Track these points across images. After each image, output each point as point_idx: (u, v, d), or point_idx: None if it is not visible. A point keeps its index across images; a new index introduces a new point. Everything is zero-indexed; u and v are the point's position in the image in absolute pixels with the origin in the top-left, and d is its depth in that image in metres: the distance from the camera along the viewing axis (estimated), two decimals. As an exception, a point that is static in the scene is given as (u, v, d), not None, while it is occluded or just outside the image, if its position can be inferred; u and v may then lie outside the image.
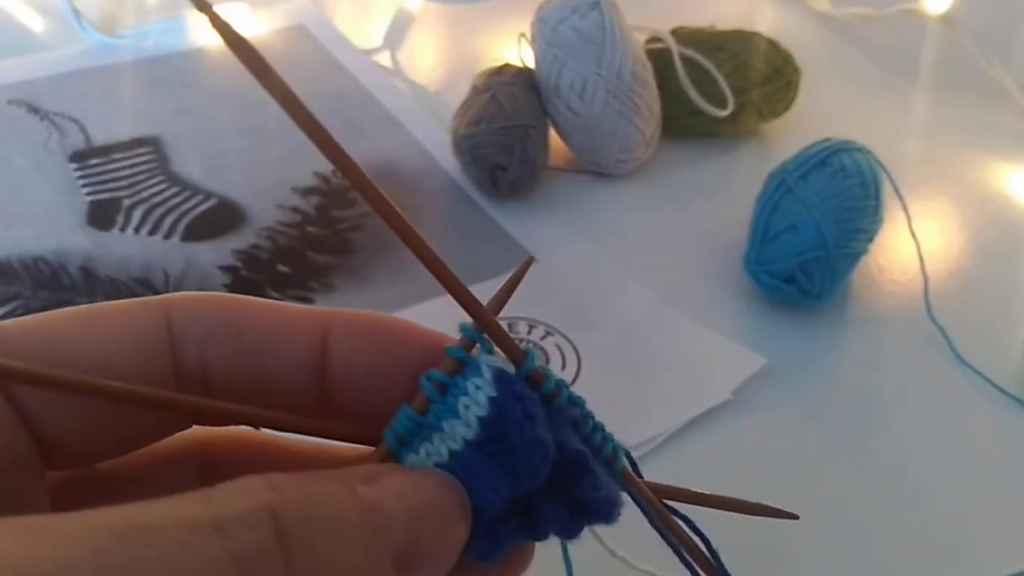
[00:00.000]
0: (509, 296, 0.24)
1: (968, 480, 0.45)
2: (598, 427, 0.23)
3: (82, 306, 0.22)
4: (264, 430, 0.23)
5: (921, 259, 0.56)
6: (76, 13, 0.74)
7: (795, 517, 0.27)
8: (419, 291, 0.51)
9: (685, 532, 0.24)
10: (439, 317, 0.24)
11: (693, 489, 0.25)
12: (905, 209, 0.57)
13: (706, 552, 0.24)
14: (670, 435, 0.46)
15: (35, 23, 0.77)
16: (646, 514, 0.23)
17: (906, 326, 0.53)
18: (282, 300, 0.39)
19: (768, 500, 0.43)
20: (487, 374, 0.21)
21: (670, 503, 0.24)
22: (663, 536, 0.23)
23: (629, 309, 0.53)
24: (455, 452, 0.21)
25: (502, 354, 0.22)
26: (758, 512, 0.26)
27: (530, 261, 0.25)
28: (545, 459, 0.21)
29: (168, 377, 0.22)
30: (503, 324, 0.23)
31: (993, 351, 0.52)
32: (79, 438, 0.22)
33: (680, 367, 0.50)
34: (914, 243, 0.57)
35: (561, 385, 0.22)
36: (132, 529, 0.15)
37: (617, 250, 0.57)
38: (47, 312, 0.22)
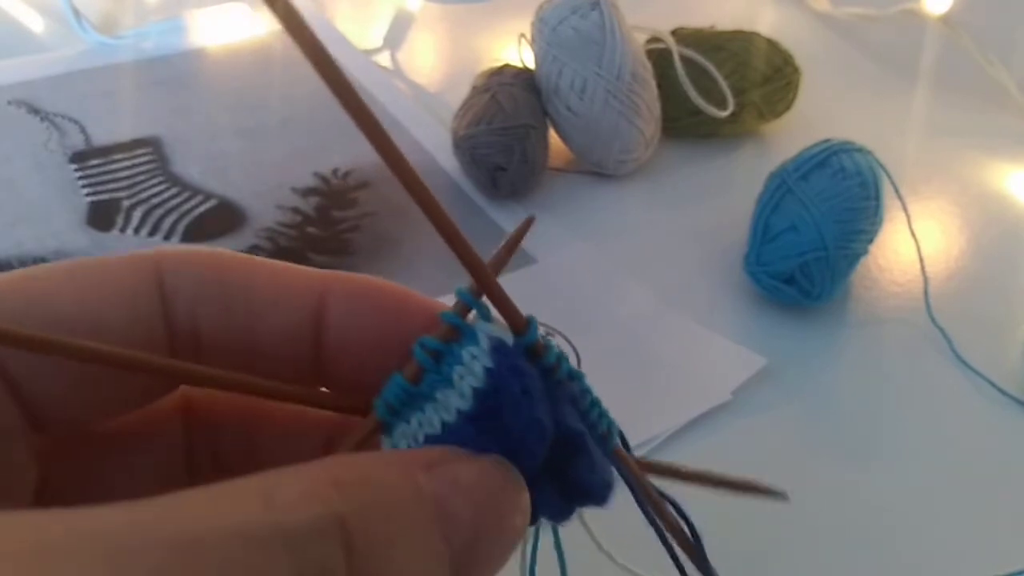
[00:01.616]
0: (510, 255, 0.22)
1: (968, 480, 0.45)
2: (595, 403, 0.22)
3: (68, 261, 0.21)
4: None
5: (921, 259, 0.56)
6: (76, 13, 0.74)
7: (785, 498, 0.26)
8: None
9: (671, 514, 0.23)
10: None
11: (679, 465, 0.24)
12: (905, 209, 0.57)
13: (688, 535, 0.23)
14: (670, 435, 0.45)
15: (35, 23, 0.77)
16: (633, 492, 0.22)
17: (906, 326, 0.53)
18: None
19: (767, 499, 0.43)
20: (484, 343, 0.20)
21: (662, 489, 0.23)
22: (647, 516, 0.22)
23: (629, 309, 0.53)
24: (448, 424, 0.19)
25: (502, 321, 0.21)
26: (747, 490, 0.25)
27: (531, 220, 0.23)
28: (542, 441, 0.19)
29: (160, 337, 0.21)
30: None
31: (993, 351, 0.52)
32: (66, 402, 0.21)
33: (680, 367, 0.50)
34: (914, 243, 0.57)
35: (561, 358, 0.21)
36: (188, 545, 0.14)
37: (617, 250, 0.57)
38: (31, 268, 0.20)
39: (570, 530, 0.23)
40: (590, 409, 0.21)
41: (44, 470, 0.21)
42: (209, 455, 0.24)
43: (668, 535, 0.23)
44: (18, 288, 0.20)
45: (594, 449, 0.21)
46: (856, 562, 0.42)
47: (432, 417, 0.20)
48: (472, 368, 0.19)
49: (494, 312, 0.21)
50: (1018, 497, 0.45)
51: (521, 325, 0.20)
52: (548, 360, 0.21)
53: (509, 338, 0.20)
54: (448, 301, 0.22)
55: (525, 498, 0.19)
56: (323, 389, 0.23)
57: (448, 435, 0.19)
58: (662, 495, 0.23)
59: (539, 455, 0.19)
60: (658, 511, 0.22)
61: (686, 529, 0.23)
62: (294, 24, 0.14)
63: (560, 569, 0.24)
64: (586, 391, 0.21)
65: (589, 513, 0.22)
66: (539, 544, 0.23)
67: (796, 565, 0.42)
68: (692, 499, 0.23)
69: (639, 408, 0.47)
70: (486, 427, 0.19)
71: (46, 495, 0.21)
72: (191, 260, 0.21)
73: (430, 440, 0.20)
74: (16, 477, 0.20)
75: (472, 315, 0.21)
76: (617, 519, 0.22)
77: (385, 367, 0.21)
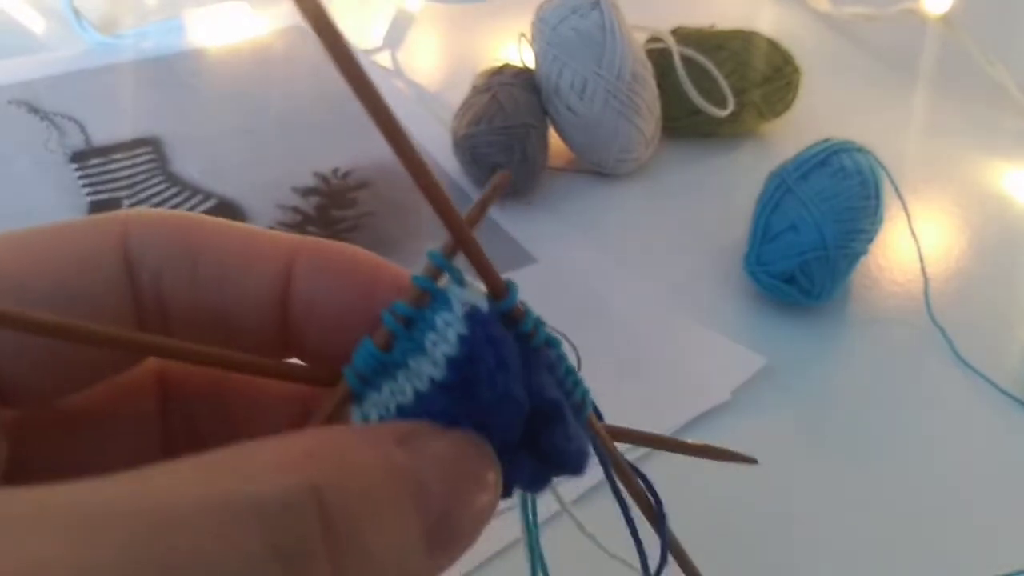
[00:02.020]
0: (485, 210, 0.21)
1: (968, 480, 0.45)
2: (570, 370, 0.21)
3: (31, 229, 0.20)
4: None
5: (921, 259, 0.56)
6: (76, 13, 0.74)
7: (754, 462, 0.25)
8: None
9: (638, 485, 0.23)
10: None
11: (647, 432, 0.23)
12: (905, 209, 0.57)
13: (653, 504, 0.23)
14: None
15: (35, 23, 0.77)
16: (602, 461, 0.22)
17: (906, 326, 0.53)
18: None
19: (768, 499, 0.43)
20: (458, 309, 0.19)
21: (635, 463, 0.23)
22: (612, 485, 0.22)
23: (629, 309, 0.53)
24: (421, 393, 0.19)
25: (481, 286, 0.20)
26: (715, 456, 0.24)
27: (507, 176, 0.22)
28: (518, 416, 0.19)
29: (125, 304, 0.20)
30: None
31: (993, 351, 0.52)
32: (30, 376, 0.20)
33: (679, 367, 0.50)
34: (914, 243, 0.57)
35: (539, 324, 0.20)
36: (160, 517, 0.13)
37: (617, 250, 0.57)
38: None
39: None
40: (565, 377, 0.21)
41: (14, 446, 0.20)
42: (184, 427, 0.24)
43: (631, 508, 0.22)
44: None
45: (570, 418, 0.20)
46: (856, 561, 0.41)
47: (404, 385, 0.19)
48: (445, 335, 0.19)
49: (470, 277, 0.20)
50: (1018, 497, 0.45)
51: (500, 289, 0.20)
52: (525, 326, 0.20)
53: (484, 303, 0.19)
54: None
55: (496, 472, 0.19)
56: (294, 360, 0.22)
57: (421, 404, 0.19)
58: (632, 468, 0.22)
59: (515, 429, 0.19)
60: (625, 481, 0.22)
61: (651, 499, 0.23)
62: (319, 19, 0.14)
63: (529, 541, 0.23)
64: (562, 358, 0.21)
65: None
66: (537, 509, 0.22)
67: (796, 565, 0.42)
68: (698, 516, 0.23)
69: (638, 407, 0.47)
70: (460, 397, 0.18)
71: (16, 472, 0.20)
72: (158, 226, 0.21)
73: (402, 409, 0.19)
74: None
75: (444, 278, 0.20)
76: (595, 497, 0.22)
77: (355, 337, 0.20)
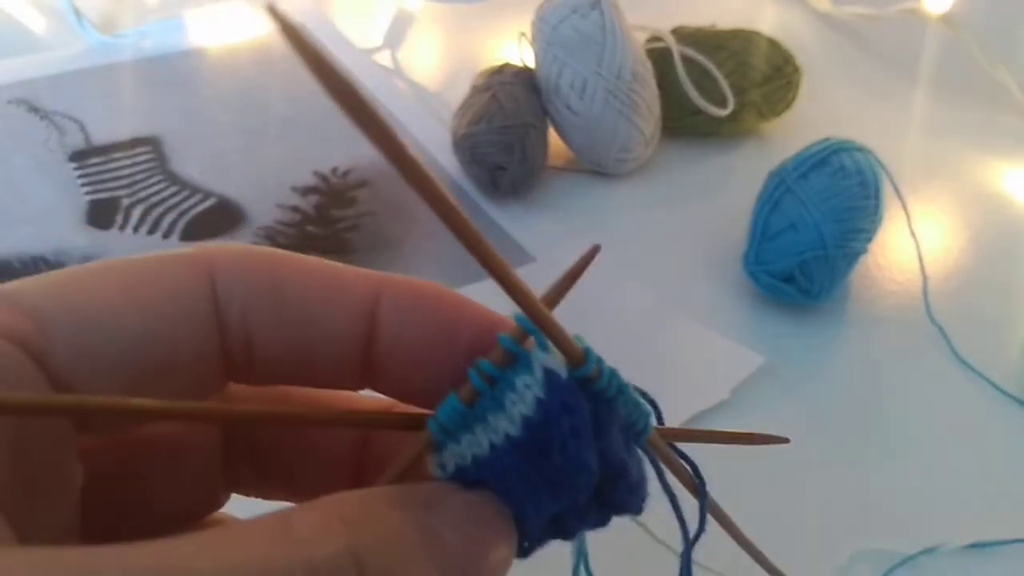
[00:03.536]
0: (568, 289, 0.22)
1: (968, 480, 0.45)
2: (636, 405, 0.22)
3: (119, 263, 0.20)
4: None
5: (920, 259, 0.56)
6: (76, 13, 0.74)
7: (786, 441, 0.27)
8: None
9: (689, 474, 0.24)
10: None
11: (691, 429, 0.25)
12: (905, 209, 0.57)
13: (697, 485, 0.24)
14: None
15: (35, 23, 0.77)
16: (655, 467, 0.23)
17: (906, 326, 0.53)
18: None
19: (768, 499, 0.43)
20: (538, 373, 0.20)
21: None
22: (662, 482, 0.23)
23: (628, 307, 0.53)
24: (496, 447, 0.20)
25: (558, 352, 0.21)
26: (752, 441, 0.26)
27: (596, 249, 0.23)
28: (588, 485, 0.20)
29: (212, 341, 0.21)
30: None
31: (993, 351, 0.52)
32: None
33: (679, 366, 0.50)
34: (914, 243, 0.57)
35: (612, 378, 0.21)
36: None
37: (617, 250, 0.57)
38: (83, 271, 0.20)
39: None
40: (631, 413, 0.22)
41: (88, 469, 0.21)
42: (246, 450, 0.25)
43: (678, 500, 0.23)
44: (73, 305, 0.19)
45: (633, 472, 0.21)
46: (856, 561, 0.41)
47: (482, 439, 0.20)
48: (524, 396, 0.20)
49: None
50: (1018, 496, 0.45)
51: (577, 358, 0.21)
52: (601, 385, 0.21)
53: (563, 368, 0.21)
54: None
55: (510, 528, 0.20)
56: (372, 396, 0.23)
57: (495, 458, 0.20)
58: (680, 453, 0.24)
59: (584, 494, 0.20)
60: (673, 469, 0.23)
61: (695, 478, 0.24)
62: (294, 36, 0.14)
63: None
64: (628, 398, 0.22)
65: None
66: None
67: (796, 565, 0.41)
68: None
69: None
70: (533, 458, 0.20)
71: (89, 493, 0.21)
72: (245, 262, 0.21)
73: (477, 461, 0.20)
74: (66, 479, 0.20)
75: (530, 340, 0.21)
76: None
77: (435, 373, 0.21)
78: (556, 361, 0.21)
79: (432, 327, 0.22)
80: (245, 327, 0.21)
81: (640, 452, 0.22)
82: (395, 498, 0.19)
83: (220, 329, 0.21)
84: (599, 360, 0.21)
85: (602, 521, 0.22)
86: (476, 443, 0.20)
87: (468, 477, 0.20)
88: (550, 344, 0.21)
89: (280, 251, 0.22)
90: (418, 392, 0.22)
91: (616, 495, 0.21)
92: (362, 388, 0.23)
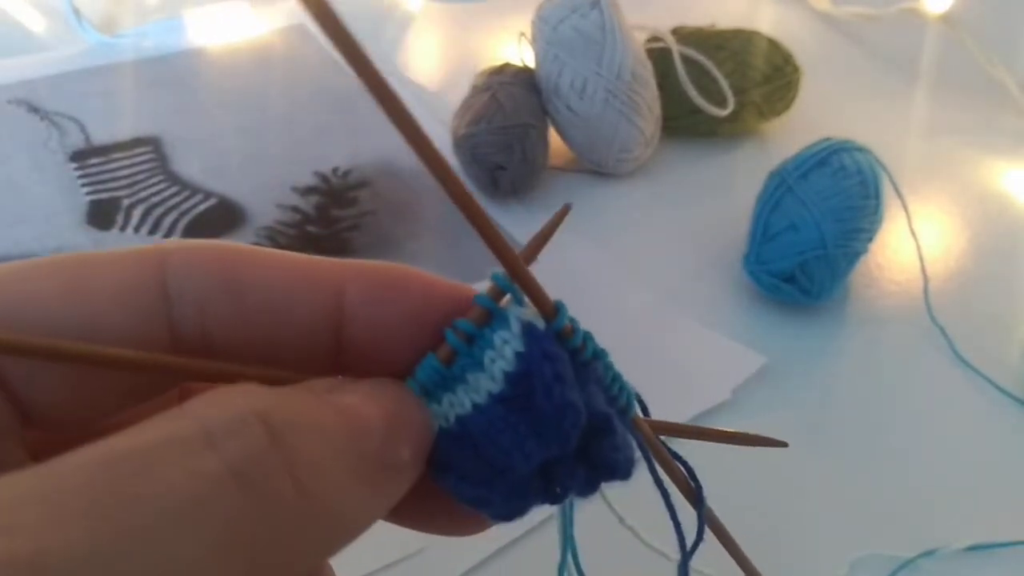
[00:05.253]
0: (543, 245, 0.22)
1: (968, 480, 0.45)
2: (616, 378, 0.22)
3: (68, 256, 0.20)
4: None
5: (921, 259, 0.56)
6: (76, 13, 0.74)
7: (784, 445, 0.26)
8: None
9: (680, 472, 0.24)
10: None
11: (686, 425, 0.25)
12: (905, 208, 0.57)
13: (692, 487, 0.24)
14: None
15: (35, 23, 0.77)
16: (645, 455, 0.23)
17: (906, 325, 0.53)
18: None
19: (768, 498, 0.43)
20: (515, 327, 0.20)
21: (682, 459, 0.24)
22: (654, 477, 0.23)
23: (629, 309, 0.53)
24: (479, 405, 0.20)
25: (532, 307, 0.21)
26: (748, 442, 0.26)
27: (567, 208, 0.23)
28: (576, 426, 0.20)
29: (161, 339, 0.20)
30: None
31: (992, 350, 0.52)
32: (62, 402, 0.20)
33: (680, 366, 0.50)
34: (914, 242, 0.57)
35: (588, 338, 0.21)
36: (119, 457, 0.15)
37: (617, 250, 0.57)
38: (25, 263, 0.20)
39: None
40: (612, 384, 0.22)
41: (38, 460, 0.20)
42: None
43: (671, 497, 0.23)
44: (7, 287, 0.19)
45: (619, 428, 0.21)
46: (855, 561, 0.41)
47: (463, 398, 0.20)
48: (503, 352, 0.20)
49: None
50: (1018, 496, 0.45)
51: (550, 310, 0.21)
52: (575, 342, 0.21)
53: (539, 321, 0.21)
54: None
55: (424, 408, 0.20)
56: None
57: (479, 414, 0.20)
58: (674, 454, 0.23)
59: (573, 438, 0.20)
60: (668, 470, 0.23)
61: (691, 482, 0.24)
62: (326, 18, 0.14)
63: (563, 542, 0.24)
64: (608, 367, 0.22)
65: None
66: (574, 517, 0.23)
67: (795, 564, 0.42)
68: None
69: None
70: (517, 408, 0.20)
71: None
72: (199, 256, 0.21)
73: (461, 419, 0.20)
74: (6, 468, 0.20)
75: (506, 298, 0.21)
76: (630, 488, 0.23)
77: (411, 354, 0.21)
78: (532, 316, 0.21)
79: (401, 309, 0.21)
80: (202, 322, 0.21)
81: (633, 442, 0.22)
82: (295, 385, 0.19)
83: (171, 326, 0.20)
84: (573, 319, 0.21)
85: (591, 484, 0.21)
86: (458, 402, 0.20)
87: (452, 436, 0.20)
88: (526, 300, 0.21)
89: (240, 245, 0.21)
90: (396, 375, 0.22)
91: (602, 452, 0.21)
92: (337, 375, 0.22)
